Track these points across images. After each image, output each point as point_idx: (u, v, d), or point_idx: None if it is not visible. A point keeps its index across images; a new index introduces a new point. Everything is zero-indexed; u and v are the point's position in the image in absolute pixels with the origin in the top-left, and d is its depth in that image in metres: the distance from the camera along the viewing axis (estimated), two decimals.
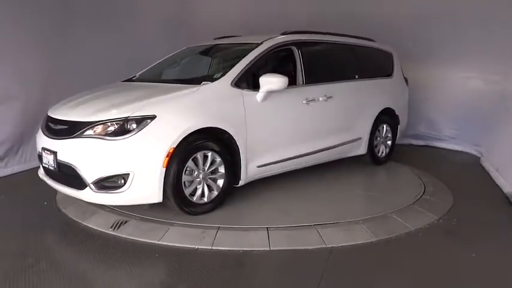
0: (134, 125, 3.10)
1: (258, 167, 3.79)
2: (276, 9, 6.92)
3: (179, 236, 3.17)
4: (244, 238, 3.15)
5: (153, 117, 3.14)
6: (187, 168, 3.32)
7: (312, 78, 4.25)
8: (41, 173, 3.76)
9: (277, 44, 4.07)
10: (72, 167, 3.18)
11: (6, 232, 3.35)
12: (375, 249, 3.05)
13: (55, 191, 4.04)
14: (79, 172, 3.15)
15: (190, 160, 3.31)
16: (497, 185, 4.56)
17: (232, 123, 3.51)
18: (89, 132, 3.14)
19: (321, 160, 4.48)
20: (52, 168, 3.41)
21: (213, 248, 3.01)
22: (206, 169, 3.45)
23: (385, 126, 5.20)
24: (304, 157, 4.19)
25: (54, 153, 3.33)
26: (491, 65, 5.65)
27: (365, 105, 4.85)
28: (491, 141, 5.25)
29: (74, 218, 3.54)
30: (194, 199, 3.42)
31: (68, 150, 3.24)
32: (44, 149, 3.49)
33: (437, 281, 2.64)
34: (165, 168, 3.13)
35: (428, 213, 3.71)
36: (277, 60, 4.32)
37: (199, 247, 3.02)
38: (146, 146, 3.10)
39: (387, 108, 5.13)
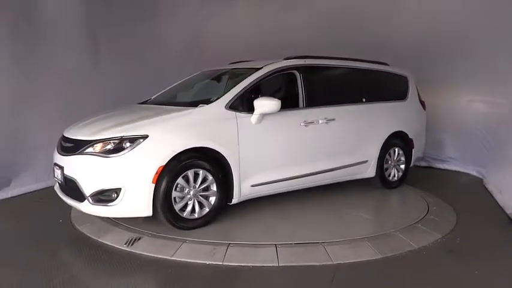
0: (128, 144, 3.37)
1: (252, 186, 3.94)
2: (288, 35, 7.13)
3: (191, 252, 3.30)
4: (253, 254, 3.27)
5: (145, 137, 3.40)
6: (178, 185, 3.52)
7: (313, 102, 4.38)
8: (56, 187, 4.03)
9: (277, 68, 4.25)
10: (74, 180, 3.49)
11: (24, 248, 3.49)
12: (379, 266, 3.16)
13: (70, 209, 4.23)
14: (79, 185, 3.45)
15: (180, 177, 3.52)
16: (500, 206, 4.65)
17: (224, 143, 3.71)
18: (89, 149, 3.44)
19: (323, 182, 4.54)
20: (60, 182, 3.75)
21: (223, 263, 3.14)
22: (197, 186, 3.64)
23: (396, 149, 5.17)
24: (303, 178, 4.28)
25: (62, 168, 3.66)
26: (495, 88, 5.76)
27: (372, 129, 4.88)
28: (494, 163, 5.36)
29: (89, 235, 3.68)
30: (184, 214, 3.60)
31: (72, 165, 3.56)
32: (55, 164, 3.83)
33: None
34: (154, 184, 3.37)
35: (432, 232, 3.81)
36: (279, 84, 4.57)
37: (210, 263, 3.14)
38: (137, 163, 3.36)
39: (399, 131, 5.13)
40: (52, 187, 4.30)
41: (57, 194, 3.92)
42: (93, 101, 5.63)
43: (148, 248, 3.37)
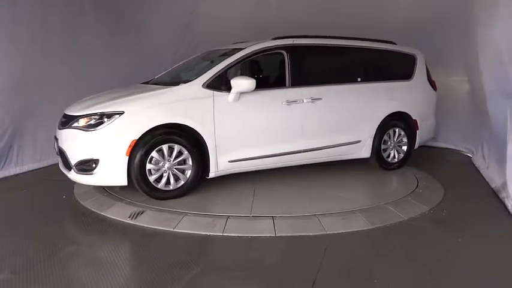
0: (106, 119, 3.72)
1: (230, 161, 4.13)
2: (288, 14, 7.16)
3: (192, 224, 3.48)
4: (251, 226, 3.45)
5: (121, 113, 3.73)
6: (153, 158, 3.81)
7: (299, 81, 4.44)
8: (59, 158, 4.26)
9: (261, 48, 4.35)
10: (63, 151, 3.93)
11: (29, 223, 3.63)
12: (370, 236, 3.37)
13: (72, 186, 4.38)
14: (66, 156, 3.89)
15: (154, 151, 3.80)
16: (486, 181, 4.86)
17: (198, 120, 3.94)
18: (75, 124, 3.83)
19: (311, 160, 4.62)
20: (56, 152, 4.18)
21: (224, 234, 3.32)
22: (172, 160, 3.88)
23: (397, 130, 5.09)
24: (286, 156, 4.39)
25: (57, 139, 4.09)
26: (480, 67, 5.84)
27: (366, 109, 4.86)
28: (480, 141, 5.53)
29: (93, 209, 3.84)
30: (159, 185, 3.87)
31: (63, 138, 3.97)
32: (55, 137, 4.23)
33: (425, 262, 2.95)
34: (127, 157, 3.70)
35: (420, 204, 4.02)
36: (266, 64, 4.75)
37: (211, 234, 3.33)
38: (112, 137, 3.71)
39: (400, 112, 5.05)
40: (55, 165, 4.46)
41: (60, 170, 4.15)
42: (97, 81, 5.74)
43: (151, 221, 3.54)
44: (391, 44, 5.28)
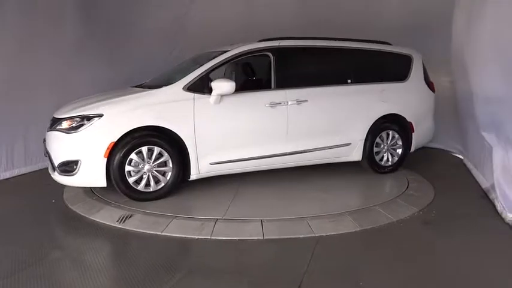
0: (86, 122, 3.79)
1: (212, 164, 4.14)
2: (281, 16, 7.15)
3: (180, 227, 3.46)
4: (240, 229, 3.44)
5: (100, 116, 3.80)
6: (132, 160, 3.86)
7: (285, 83, 4.42)
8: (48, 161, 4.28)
9: (245, 51, 4.36)
10: (49, 153, 4.02)
11: (18, 226, 3.61)
12: (358, 237, 3.37)
13: (62, 190, 4.36)
14: (51, 157, 3.97)
15: (133, 153, 3.84)
16: (477, 181, 4.87)
17: (178, 123, 3.96)
18: (59, 126, 3.92)
19: (299, 163, 4.59)
20: (44, 154, 4.22)
21: (211, 237, 3.31)
22: (151, 162, 3.92)
23: (391, 133, 5.00)
24: (271, 158, 4.37)
25: (44, 141, 4.17)
26: (470, 69, 5.79)
27: (356, 111, 4.78)
28: (471, 141, 5.52)
29: (81, 213, 3.82)
30: (138, 187, 3.92)
31: (48, 139, 4.05)
32: (44, 139, 4.25)
33: (412, 263, 2.95)
34: (106, 158, 3.75)
35: (410, 206, 4.02)
36: (252, 66, 4.76)
37: (199, 237, 3.31)
38: (91, 139, 3.78)
39: (393, 114, 4.97)
40: (46, 169, 4.43)
41: (49, 176, 4.12)
42: (89, 84, 5.77)
43: (139, 224, 3.53)
44: (384, 45, 5.20)
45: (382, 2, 6.77)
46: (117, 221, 3.59)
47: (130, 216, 3.65)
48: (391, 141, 5.05)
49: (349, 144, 4.78)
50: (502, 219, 3.70)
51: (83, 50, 6.04)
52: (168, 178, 4.02)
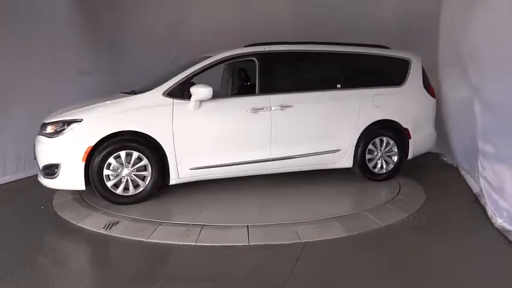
0: (67, 126, 3.88)
1: (192, 169, 4.15)
2: (275, 21, 7.11)
3: (166, 234, 3.45)
4: (225, 235, 3.42)
5: (80, 121, 3.89)
6: (111, 165, 3.93)
7: (269, 89, 4.39)
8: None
9: (228, 56, 4.35)
10: (36, 156, 4.12)
11: (6, 232, 3.62)
12: (345, 243, 3.34)
13: (51, 197, 4.36)
14: (37, 160, 4.06)
15: (111, 157, 3.91)
16: (468, 186, 4.82)
17: (157, 128, 4.00)
18: (44, 131, 4.03)
19: (284, 169, 4.52)
20: (34, 158, 4.24)
21: (196, 244, 3.29)
22: (130, 166, 3.97)
23: (385, 139, 4.82)
24: (254, 164, 4.33)
25: (34, 146, 4.20)
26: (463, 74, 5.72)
27: (345, 116, 4.65)
28: (464, 146, 5.45)
29: (69, 220, 3.81)
30: (117, 191, 3.98)
31: (36, 144, 4.13)
32: (34, 144, 4.25)
33: (399, 269, 2.92)
34: (84, 162, 3.84)
35: (399, 211, 3.98)
36: (235, 71, 4.76)
37: (184, 243, 3.29)
38: (70, 143, 3.88)
39: (387, 120, 4.80)
40: (33, 176, 4.48)
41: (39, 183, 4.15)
42: (83, 91, 5.80)
43: (125, 231, 3.51)
44: (377, 48, 5.03)
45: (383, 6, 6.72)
46: (104, 228, 3.57)
47: (116, 223, 3.64)
48: (385, 148, 4.86)
49: (337, 150, 4.66)
50: (492, 224, 3.66)
51: (79, 56, 6.09)
52: (147, 183, 4.05)
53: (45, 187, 4.07)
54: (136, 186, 4.04)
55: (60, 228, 3.67)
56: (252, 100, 4.34)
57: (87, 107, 4.05)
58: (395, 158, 4.92)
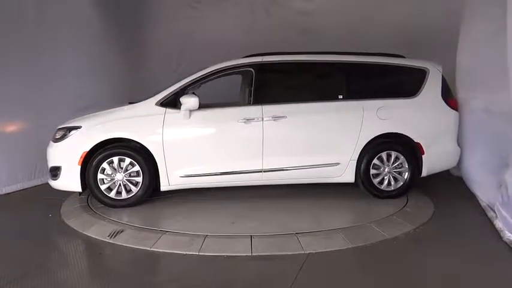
0: (68, 133, 4.24)
1: (181, 177, 4.27)
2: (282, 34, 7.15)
3: (170, 243, 3.47)
4: (229, 245, 3.42)
5: (78, 128, 4.21)
6: (105, 169, 4.19)
7: (262, 99, 4.37)
8: None
9: (225, 67, 4.42)
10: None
11: (13, 240, 3.69)
12: (349, 255, 3.30)
13: (60, 205, 4.44)
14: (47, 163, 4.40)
15: (105, 162, 4.16)
16: (476, 199, 4.73)
17: (148, 136, 4.20)
18: (54, 136, 4.37)
19: (279, 181, 4.48)
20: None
21: (199, 253, 3.29)
22: (122, 171, 4.21)
23: (393, 154, 4.53)
24: (244, 174, 4.34)
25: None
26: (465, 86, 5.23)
27: (345, 128, 4.48)
28: (471, 157, 5.36)
29: (75, 228, 3.87)
30: (110, 194, 4.23)
31: (48, 147, 4.43)
32: None
33: (401, 282, 2.88)
34: (80, 166, 4.14)
35: (406, 223, 3.92)
36: (238, 82, 4.87)
37: (187, 253, 3.30)
38: (69, 148, 4.20)
39: (395, 133, 4.53)
40: (46, 184, 4.66)
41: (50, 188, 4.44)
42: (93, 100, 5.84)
43: (129, 239, 3.54)
44: (389, 57, 4.79)
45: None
46: (108, 236, 3.61)
47: (121, 232, 3.68)
48: (393, 163, 4.56)
49: (336, 164, 4.47)
50: (500, 238, 3.58)
51: (88, 67, 6.24)
52: (138, 188, 4.23)
53: (51, 195, 4.28)
54: (129, 191, 4.25)
55: (66, 236, 3.72)
56: (244, 110, 4.36)
57: (88, 115, 4.36)
58: (405, 175, 4.58)
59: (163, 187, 4.28)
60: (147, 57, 7.40)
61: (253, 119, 4.30)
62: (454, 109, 4.74)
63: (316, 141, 4.49)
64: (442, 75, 4.73)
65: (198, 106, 4.17)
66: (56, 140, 4.28)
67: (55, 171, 4.25)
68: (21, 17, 5.14)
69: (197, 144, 4.29)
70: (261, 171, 4.37)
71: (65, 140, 4.21)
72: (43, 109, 5.43)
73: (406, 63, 4.76)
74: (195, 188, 4.47)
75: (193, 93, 4.33)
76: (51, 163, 4.31)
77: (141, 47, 7.39)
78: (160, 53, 7.51)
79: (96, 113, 4.37)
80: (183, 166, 4.24)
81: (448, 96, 4.74)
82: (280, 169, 4.40)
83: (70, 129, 4.24)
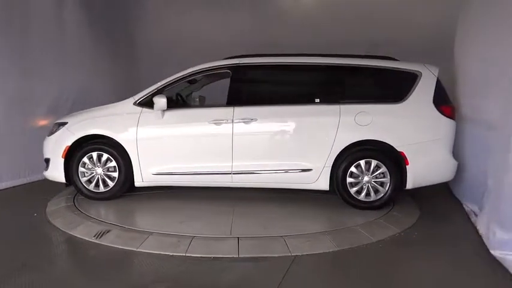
0: (57, 128, 4.58)
1: (154, 174, 4.43)
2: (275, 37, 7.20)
3: (157, 244, 3.45)
4: (216, 247, 3.42)
5: (65, 124, 4.53)
6: (86, 163, 4.48)
7: (235, 101, 4.38)
8: None
9: (201, 69, 4.50)
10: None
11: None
12: (335, 257, 3.33)
13: (46, 204, 4.38)
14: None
15: (85, 157, 4.45)
16: (461, 204, 4.80)
17: (122, 133, 4.40)
18: (50, 130, 4.67)
19: (246, 184, 4.45)
20: None
21: (186, 254, 3.28)
22: (100, 166, 4.46)
23: (373, 162, 4.27)
24: (214, 175, 4.38)
25: None
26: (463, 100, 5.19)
27: (318, 133, 4.30)
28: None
29: (61, 228, 3.82)
30: (89, 187, 4.51)
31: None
32: None
33: (385, 285, 2.91)
34: (63, 159, 4.43)
35: (392, 227, 3.97)
36: (216, 83, 5.05)
37: (174, 254, 3.29)
38: (56, 142, 4.51)
39: (376, 141, 4.28)
40: (33, 182, 5.20)
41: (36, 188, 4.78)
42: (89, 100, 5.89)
43: (115, 240, 3.51)
44: (377, 60, 4.53)
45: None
46: (94, 236, 3.57)
47: (107, 232, 3.64)
48: (373, 173, 4.31)
49: (308, 170, 4.31)
50: (483, 242, 3.64)
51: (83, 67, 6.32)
52: (114, 182, 4.46)
53: (37, 193, 4.44)
54: (106, 185, 4.49)
55: (51, 237, 3.66)
56: (216, 112, 4.37)
57: (77, 112, 4.71)
58: (387, 186, 4.33)
59: (137, 183, 4.47)
60: (140, 57, 7.42)
61: (223, 120, 4.31)
62: (448, 117, 4.32)
63: (287, 145, 4.39)
64: (438, 80, 4.37)
65: (166, 107, 4.28)
66: (49, 134, 4.61)
67: (47, 163, 4.58)
68: (8, 21, 5.11)
69: (169, 143, 4.40)
70: (230, 173, 4.38)
71: (54, 134, 4.54)
72: (31, 111, 5.46)
73: (393, 66, 4.45)
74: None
75: (170, 94, 4.54)
76: (44, 155, 4.61)
77: (134, 47, 7.39)
78: (152, 53, 7.53)
79: (84, 111, 4.68)
80: (155, 164, 4.40)
81: (443, 102, 4.34)
82: (249, 172, 4.38)
83: (60, 124, 4.57)
